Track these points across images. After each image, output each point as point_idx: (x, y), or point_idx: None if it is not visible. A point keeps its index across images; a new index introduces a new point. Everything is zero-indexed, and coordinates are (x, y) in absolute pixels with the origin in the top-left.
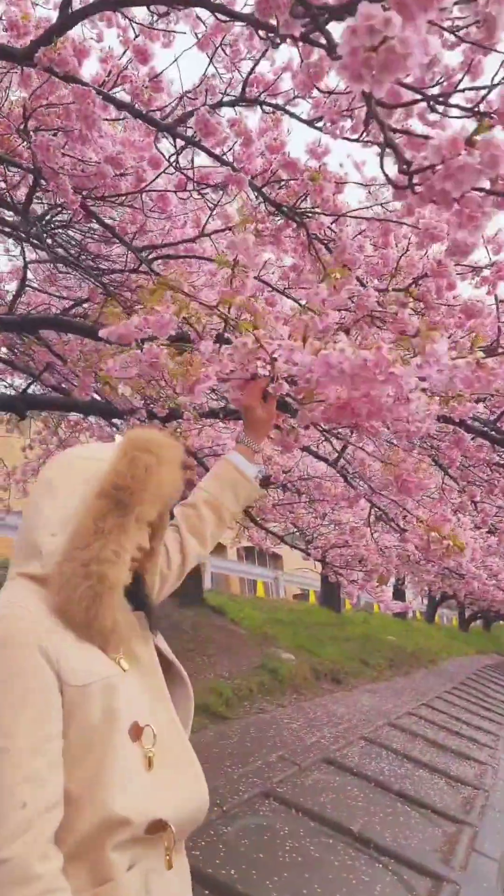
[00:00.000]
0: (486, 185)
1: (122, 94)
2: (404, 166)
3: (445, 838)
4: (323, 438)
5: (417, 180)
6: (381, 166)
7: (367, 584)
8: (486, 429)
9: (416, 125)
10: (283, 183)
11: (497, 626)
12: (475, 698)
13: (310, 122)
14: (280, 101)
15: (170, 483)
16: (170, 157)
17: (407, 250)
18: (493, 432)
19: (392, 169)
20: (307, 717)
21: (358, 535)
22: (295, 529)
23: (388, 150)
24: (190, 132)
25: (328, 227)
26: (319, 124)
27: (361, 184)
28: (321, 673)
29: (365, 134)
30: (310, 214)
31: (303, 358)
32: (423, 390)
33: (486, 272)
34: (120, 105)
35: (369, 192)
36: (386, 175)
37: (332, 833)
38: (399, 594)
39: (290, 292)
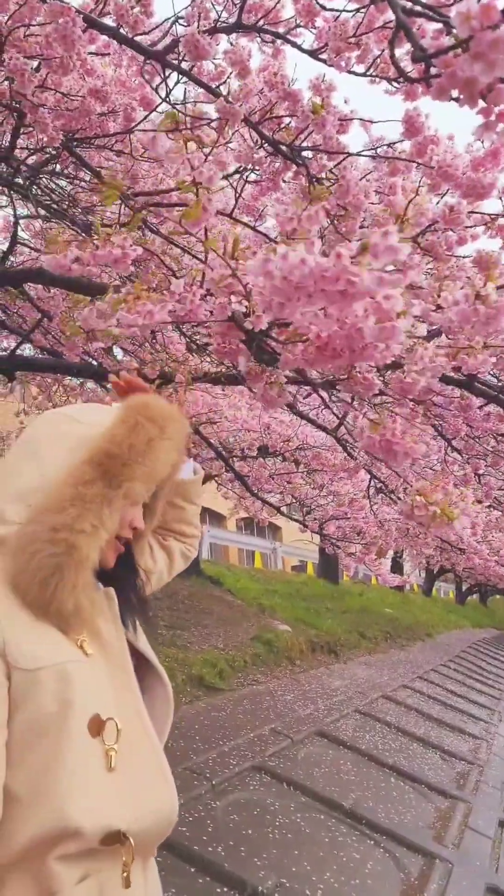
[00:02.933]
0: None
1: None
2: (419, 52)
3: (439, 814)
4: (323, 406)
5: (436, 68)
6: (392, 54)
7: (366, 557)
8: (497, 393)
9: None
10: (282, 122)
11: (493, 601)
12: (471, 672)
13: (312, 53)
14: (281, 30)
15: (168, 463)
16: (158, 87)
17: (417, 193)
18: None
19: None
20: (302, 689)
21: (357, 507)
22: (293, 500)
23: (399, 33)
24: (181, 63)
25: (330, 171)
26: (323, 56)
27: (369, 120)
28: (317, 645)
29: (373, 68)
30: (310, 154)
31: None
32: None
33: (502, 220)
34: (103, 28)
35: (373, 144)
36: (396, 65)
37: (324, 808)
38: (397, 567)
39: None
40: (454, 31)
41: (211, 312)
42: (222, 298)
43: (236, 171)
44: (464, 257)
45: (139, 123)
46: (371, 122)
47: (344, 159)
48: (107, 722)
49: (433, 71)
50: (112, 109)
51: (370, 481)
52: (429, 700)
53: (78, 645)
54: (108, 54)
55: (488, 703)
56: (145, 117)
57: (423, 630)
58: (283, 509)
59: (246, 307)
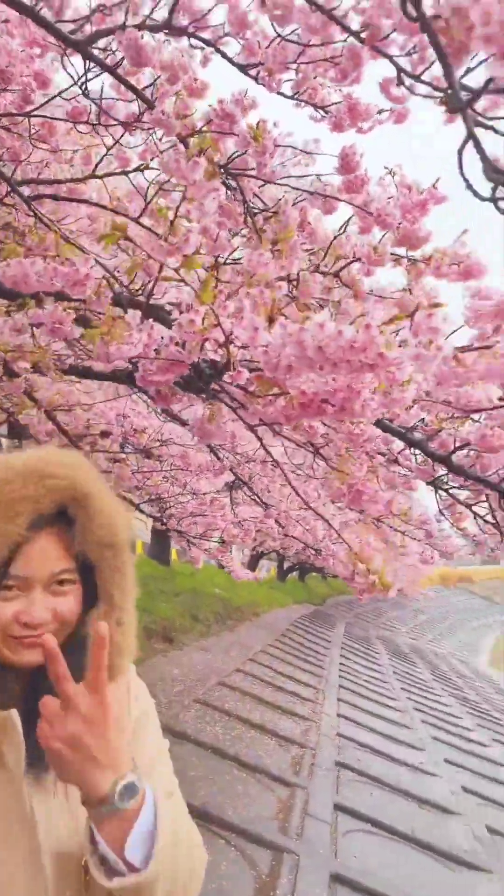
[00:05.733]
0: None
1: None
2: (492, 172)
3: (280, 804)
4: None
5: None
6: (459, 162)
7: (220, 555)
8: (404, 432)
9: None
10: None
11: (310, 577)
12: (295, 650)
13: (243, 68)
14: (208, 35)
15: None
16: (80, 81)
17: (343, 230)
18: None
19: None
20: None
21: (217, 506)
22: (150, 496)
23: (467, 144)
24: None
25: (255, 195)
26: (253, 72)
27: (305, 151)
28: (153, 632)
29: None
30: (244, 177)
31: (271, 339)
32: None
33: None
34: (22, 8)
35: (305, 160)
36: (464, 178)
37: None
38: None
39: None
40: None
41: (157, 351)
42: (192, 344)
43: (137, 169)
44: (385, 298)
45: (42, 106)
46: (307, 152)
47: (264, 184)
48: None
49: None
50: (6, 88)
51: (234, 482)
52: (261, 683)
53: None
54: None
55: (313, 681)
56: (49, 100)
57: (250, 609)
58: (142, 506)
59: (221, 356)
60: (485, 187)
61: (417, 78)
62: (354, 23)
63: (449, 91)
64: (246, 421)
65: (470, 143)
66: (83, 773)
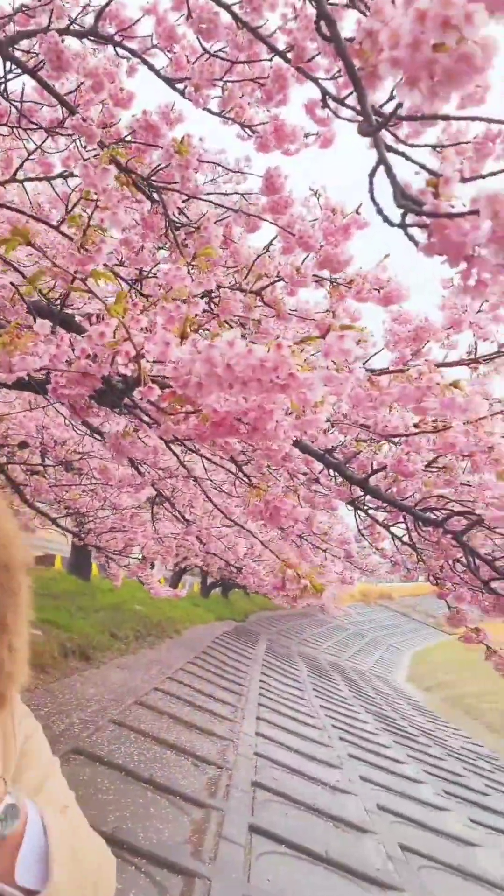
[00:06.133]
0: None
1: None
2: (408, 203)
3: (194, 827)
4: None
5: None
6: (371, 191)
7: (140, 571)
8: (323, 454)
9: None
10: (132, 149)
11: (234, 593)
12: (216, 667)
13: (169, 81)
14: (135, 46)
15: None
16: None
17: (267, 250)
18: (328, 456)
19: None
20: (56, 701)
21: (137, 522)
22: (68, 510)
23: (378, 169)
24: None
25: (178, 209)
26: (180, 86)
27: (229, 168)
28: (70, 649)
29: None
30: (167, 191)
31: (183, 356)
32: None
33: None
34: None
35: (229, 177)
36: (381, 212)
37: None
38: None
39: (118, 270)
40: (431, 178)
41: (69, 361)
42: (105, 358)
43: (60, 175)
44: (306, 319)
45: None
46: (231, 170)
47: (189, 199)
48: None
49: (410, 218)
50: None
51: (155, 497)
52: (179, 702)
53: None
54: None
55: (232, 699)
56: None
57: (171, 626)
58: (59, 521)
59: (132, 371)
60: (396, 213)
61: (342, 102)
62: (281, 43)
63: (361, 115)
64: (161, 437)
65: (381, 169)
66: None
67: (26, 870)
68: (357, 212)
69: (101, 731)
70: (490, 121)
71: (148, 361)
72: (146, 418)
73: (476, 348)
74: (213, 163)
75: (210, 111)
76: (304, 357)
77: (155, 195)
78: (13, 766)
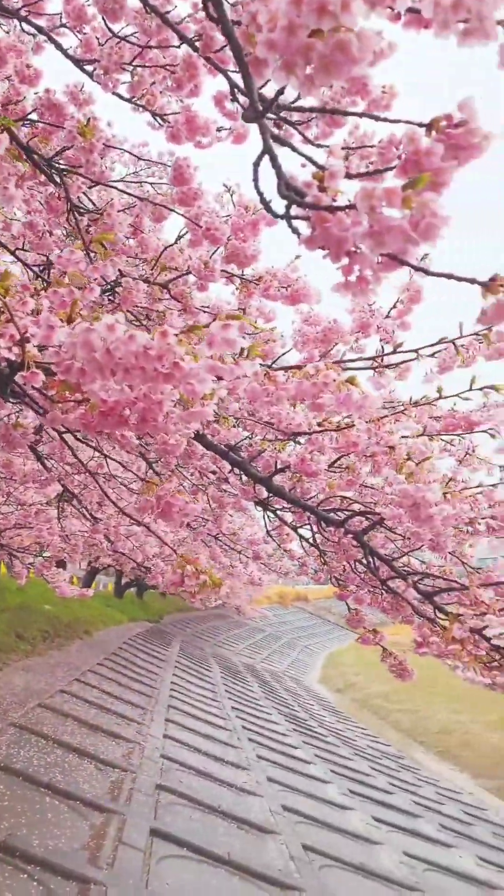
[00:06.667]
0: None
1: None
2: (292, 194)
3: (93, 832)
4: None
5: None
6: (255, 179)
7: (45, 570)
8: (227, 451)
9: None
10: (33, 123)
11: (149, 594)
12: (126, 669)
13: (78, 62)
14: (43, 23)
15: None
16: None
17: (176, 242)
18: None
19: None
20: None
21: (43, 518)
22: None
23: (262, 159)
24: None
25: (83, 193)
26: (89, 67)
27: (136, 156)
28: None
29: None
30: (71, 174)
31: (66, 340)
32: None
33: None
34: None
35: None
36: (266, 204)
37: None
38: (59, 562)
39: (20, 254)
40: (318, 172)
41: None
42: None
43: None
44: (213, 314)
45: None
46: (139, 157)
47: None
48: None
49: (294, 210)
50: None
51: (62, 493)
52: (85, 704)
53: None
54: None
55: (142, 701)
56: None
57: (81, 627)
58: None
59: (17, 356)
60: (281, 205)
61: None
62: (192, 32)
63: (247, 101)
64: (51, 427)
65: (266, 159)
66: None
67: None
68: (268, 208)
69: (0, 735)
70: (380, 119)
71: (34, 346)
72: (36, 407)
73: (383, 352)
74: (122, 150)
75: (120, 96)
76: (191, 347)
77: (57, 178)
78: None
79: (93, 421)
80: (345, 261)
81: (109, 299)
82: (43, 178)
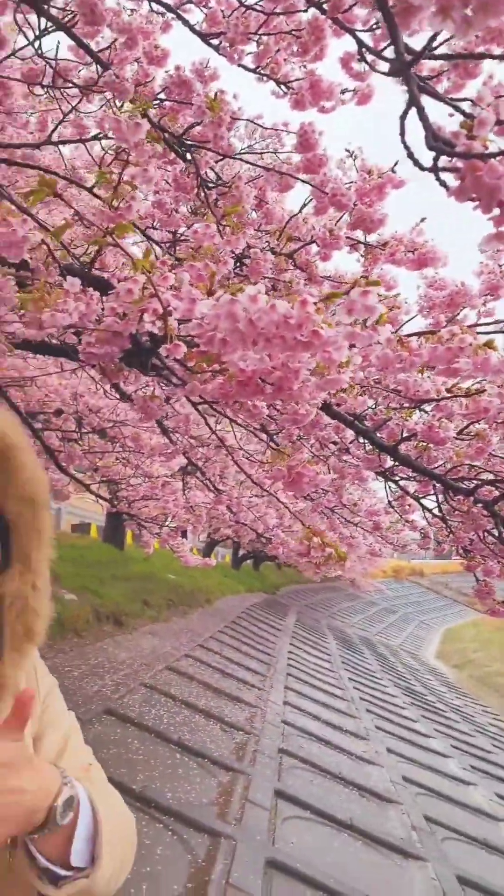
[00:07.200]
0: None
1: None
2: (440, 144)
3: (221, 789)
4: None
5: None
6: (402, 132)
7: (171, 539)
8: (353, 420)
9: None
10: (165, 107)
11: (265, 566)
12: (245, 637)
13: (204, 37)
14: (170, 1)
15: None
16: (34, 40)
17: (300, 212)
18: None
19: None
20: (89, 663)
21: (169, 490)
22: (102, 479)
23: (410, 110)
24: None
25: (210, 168)
26: (214, 42)
27: (261, 125)
28: (103, 615)
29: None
30: (200, 150)
31: (209, 312)
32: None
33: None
34: None
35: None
36: (409, 151)
37: None
38: (182, 532)
39: (151, 233)
40: (466, 121)
41: (99, 320)
42: (133, 315)
43: (95, 137)
44: (338, 281)
45: None
46: (263, 127)
47: (223, 158)
48: None
49: (442, 162)
50: None
51: (187, 466)
52: (209, 669)
53: None
54: None
55: (260, 668)
56: (4, 58)
57: (203, 596)
58: (93, 488)
59: (160, 329)
60: (428, 158)
61: (379, 54)
62: None
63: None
64: (188, 398)
65: (413, 111)
66: (20, 816)
67: (78, 851)
68: (393, 170)
69: (133, 694)
70: None
71: (175, 320)
72: (175, 379)
73: None
74: (248, 120)
75: (245, 67)
76: (329, 314)
77: (187, 155)
78: (38, 716)
79: (231, 390)
80: (496, 211)
81: (236, 272)
82: (171, 156)
